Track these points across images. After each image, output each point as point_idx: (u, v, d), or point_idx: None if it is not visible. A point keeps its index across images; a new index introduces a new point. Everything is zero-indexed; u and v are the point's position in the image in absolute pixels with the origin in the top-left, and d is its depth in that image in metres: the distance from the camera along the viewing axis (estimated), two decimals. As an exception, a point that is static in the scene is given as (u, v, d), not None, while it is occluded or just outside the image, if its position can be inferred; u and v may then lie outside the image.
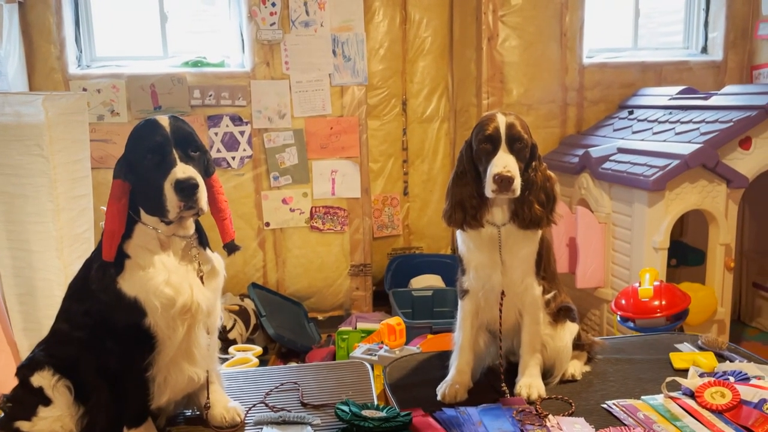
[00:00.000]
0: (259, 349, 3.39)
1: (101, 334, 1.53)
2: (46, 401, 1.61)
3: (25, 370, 1.66)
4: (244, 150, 4.36)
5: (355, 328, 3.90)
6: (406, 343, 3.28)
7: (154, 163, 1.43)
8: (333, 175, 4.51)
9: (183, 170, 1.42)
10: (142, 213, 1.52)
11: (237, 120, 4.32)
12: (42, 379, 1.61)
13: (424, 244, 4.98)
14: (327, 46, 4.34)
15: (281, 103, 4.35)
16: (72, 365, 1.60)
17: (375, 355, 3.17)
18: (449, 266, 4.68)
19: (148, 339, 1.51)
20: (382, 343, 3.28)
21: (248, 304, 4.13)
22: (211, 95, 4.26)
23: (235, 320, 3.92)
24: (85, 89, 4.05)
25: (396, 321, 3.23)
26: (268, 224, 4.46)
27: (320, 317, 4.64)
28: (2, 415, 1.71)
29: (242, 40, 4.34)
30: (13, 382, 1.69)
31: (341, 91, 4.41)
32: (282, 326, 4.06)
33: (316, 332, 4.39)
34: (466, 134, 4.49)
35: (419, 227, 4.94)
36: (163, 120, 1.47)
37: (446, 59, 4.74)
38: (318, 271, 4.58)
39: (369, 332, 3.73)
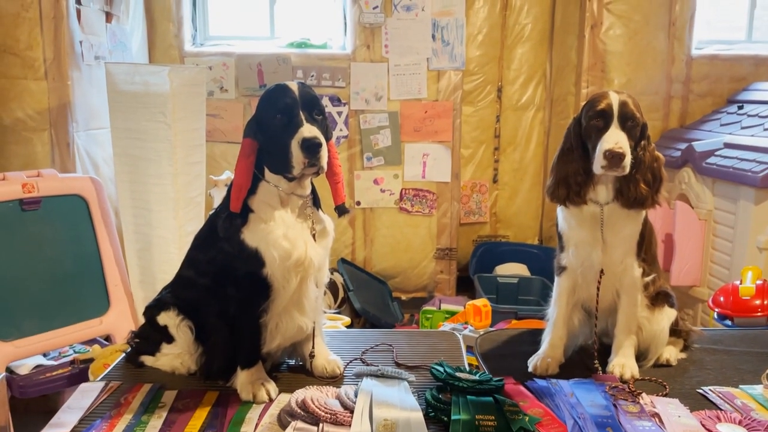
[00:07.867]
0: (347, 320, 3.51)
1: (223, 281, 1.67)
2: (170, 339, 1.79)
3: (153, 309, 1.83)
4: (341, 130, 4.50)
5: (440, 309, 3.96)
6: (491, 327, 3.31)
7: (283, 123, 1.55)
8: (424, 158, 4.58)
9: (309, 130, 1.53)
10: (266, 171, 1.64)
11: (336, 101, 4.46)
12: (167, 318, 1.78)
13: (511, 232, 4.97)
14: (427, 30, 4.40)
15: (378, 86, 4.46)
16: (194, 308, 1.75)
17: (459, 334, 3.22)
18: (536, 256, 4.65)
19: (264, 287, 1.64)
20: (466, 323, 3.33)
21: (337, 278, 4.29)
22: (313, 75, 4.42)
23: (325, 291, 4.07)
24: (198, 66, 4.30)
25: (482, 303, 3.28)
26: (359, 203, 4.59)
27: (404, 297, 4.74)
28: (129, 349, 1.90)
29: (345, 23, 4.47)
30: (129, 329, 1.86)
31: (438, 76, 4.46)
32: (367, 302, 4.19)
33: (399, 311, 4.50)
34: (562, 123, 4.50)
35: (507, 216, 4.93)
36: (292, 85, 1.59)
37: (545, 47, 4.69)
38: (404, 252, 4.68)
39: (453, 313, 3.78)
